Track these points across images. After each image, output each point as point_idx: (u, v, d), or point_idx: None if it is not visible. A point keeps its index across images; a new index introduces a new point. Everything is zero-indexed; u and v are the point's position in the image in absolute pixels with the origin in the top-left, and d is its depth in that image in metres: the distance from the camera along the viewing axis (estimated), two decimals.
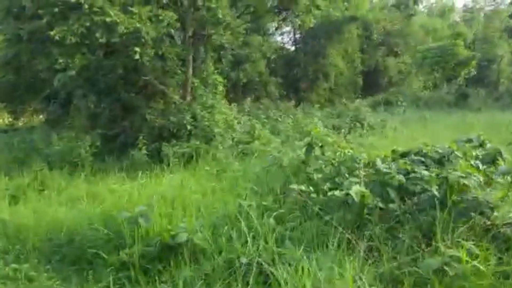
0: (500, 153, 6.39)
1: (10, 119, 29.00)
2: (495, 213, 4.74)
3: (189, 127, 13.29)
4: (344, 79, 32.97)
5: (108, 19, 11.58)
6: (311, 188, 6.02)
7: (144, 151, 12.44)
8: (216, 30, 14.35)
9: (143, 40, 12.34)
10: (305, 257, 4.57)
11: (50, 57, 12.83)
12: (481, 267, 4.05)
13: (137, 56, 12.58)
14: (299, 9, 16.90)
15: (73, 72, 12.86)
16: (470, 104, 27.83)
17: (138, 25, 12.02)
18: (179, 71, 16.42)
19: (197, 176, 9.12)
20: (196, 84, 15.21)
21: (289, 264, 4.48)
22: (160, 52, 13.93)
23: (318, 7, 17.13)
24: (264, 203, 6.33)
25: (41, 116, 27.90)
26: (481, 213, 4.72)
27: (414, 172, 5.44)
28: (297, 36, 33.34)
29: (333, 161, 6.51)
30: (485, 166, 6.12)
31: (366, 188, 5.50)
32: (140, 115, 15.37)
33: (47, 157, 13.12)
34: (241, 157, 10.87)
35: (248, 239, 5.09)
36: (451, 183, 4.73)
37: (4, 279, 5.30)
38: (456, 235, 4.50)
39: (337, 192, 5.35)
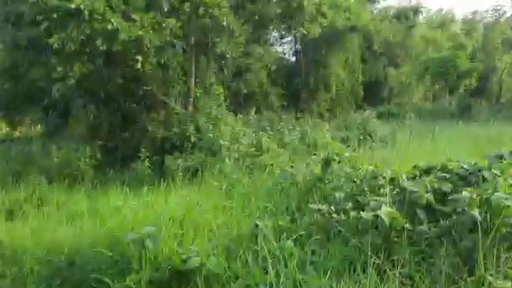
0: None
1: (8, 129, 28.51)
2: None
3: (193, 139, 12.85)
4: (345, 90, 32.67)
5: (109, 27, 11.16)
6: (332, 208, 5.60)
7: (146, 164, 12.02)
8: (220, 37, 13.95)
9: (145, 48, 11.91)
10: (331, 286, 4.22)
11: (48, 66, 12.39)
12: None
13: (138, 65, 12.17)
14: (305, 18, 16.55)
15: (72, 81, 12.41)
16: (475, 116, 27.52)
17: (140, 32, 11.59)
18: (181, 81, 16.03)
19: (205, 192, 8.67)
20: (198, 95, 14.83)
21: None
22: (162, 61, 13.52)
23: (324, 16, 16.81)
24: (280, 223, 5.90)
25: (39, 127, 27.45)
26: None
27: (451, 192, 5.00)
28: (298, 46, 33.04)
29: (356, 178, 6.06)
30: None
31: (391, 208, 5.09)
32: (141, 126, 14.96)
33: (45, 169, 12.64)
34: (250, 172, 10.42)
35: (269, 265, 4.66)
36: (494, 205, 4.30)
37: None
38: (503, 263, 4.08)
39: (364, 214, 4.90)
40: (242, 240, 5.50)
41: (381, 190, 5.86)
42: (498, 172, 5.28)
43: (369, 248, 4.70)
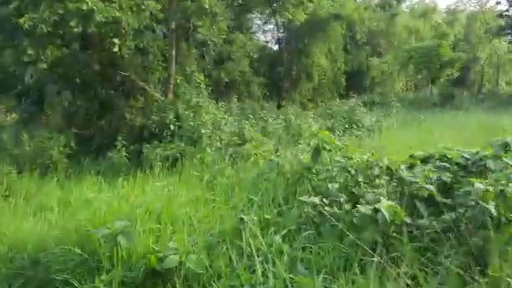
0: None
1: None
2: None
3: (172, 127, 12.27)
4: (327, 79, 32.38)
5: (84, 7, 10.49)
6: (324, 200, 5.13)
7: (123, 153, 11.44)
8: (202, 22, 13.36)
9: (123, 31, 11.28)
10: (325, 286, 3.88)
11: (19, 48, 11.67)
12: None
13: (116, 49, 11.57)
14: (290, 1, 16.02)
15: (44, 65, 11.73)
16: (457, 105, 27.39)
17: (117, 14, 10.95)
18: (160, 67, 15.42)
19: (185, 183, 8.14)
20: (179, 82, 14.24)
21: None
22: (141, 45, 12.89)
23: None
24: (267, 216, 5.43)
25: (14, 115, 26.59)
26: None
27: (457, 183, 4.55)
28: (281, 34, 32.49)
29: (350, 168, 5.57)
30: None
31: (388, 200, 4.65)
32: (119, 114, 14.33)
33: (16, 158, 11.95)
34: (233, 162, 9.92)
35: (256, 263, 4.19)
36: (510, 198, 3.85)
37: None
38: None
39: (362, 207, 4.43)
40: (225, 236, 5.06)
41: (377, 181, 5.41)
42: (510, 162, 4.83)
43: (367, 245, 4.27)
